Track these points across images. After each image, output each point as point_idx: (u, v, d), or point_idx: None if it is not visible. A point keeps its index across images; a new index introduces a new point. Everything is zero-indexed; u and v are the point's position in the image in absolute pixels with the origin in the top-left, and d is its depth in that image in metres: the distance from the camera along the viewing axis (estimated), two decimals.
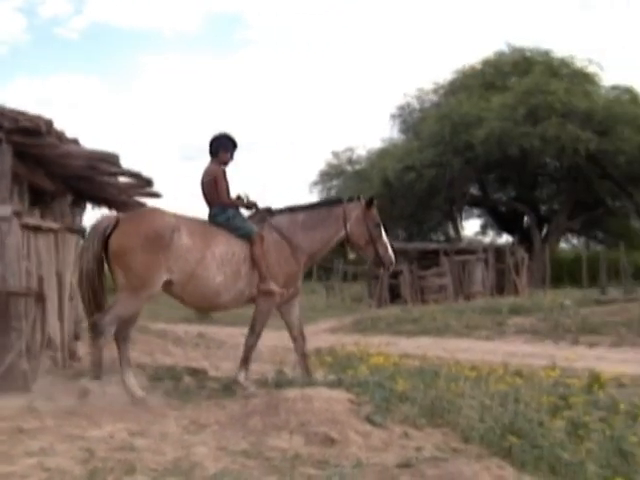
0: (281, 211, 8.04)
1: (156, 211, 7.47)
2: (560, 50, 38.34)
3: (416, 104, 41.59)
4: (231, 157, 7.94)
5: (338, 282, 33.87)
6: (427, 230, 41.41)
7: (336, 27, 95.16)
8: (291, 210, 8.07)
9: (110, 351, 7.71)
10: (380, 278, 30.05)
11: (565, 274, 34.32)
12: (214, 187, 7.67)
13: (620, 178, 35.64)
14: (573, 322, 17.38)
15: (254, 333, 7.81)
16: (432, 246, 33.20)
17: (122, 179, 9.41)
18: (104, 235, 7.02)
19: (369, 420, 6.04)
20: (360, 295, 31.81)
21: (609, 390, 8.75)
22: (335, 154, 42.65)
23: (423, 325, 19.73)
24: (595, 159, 34.17)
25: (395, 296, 30.29)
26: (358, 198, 8.44)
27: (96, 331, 6.93)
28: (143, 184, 9.46)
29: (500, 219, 42.89)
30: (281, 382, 7.95)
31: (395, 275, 30.49)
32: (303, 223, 7.93)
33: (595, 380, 9.04)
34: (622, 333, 16.11)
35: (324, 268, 36.39)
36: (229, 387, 7.79)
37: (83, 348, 10.23)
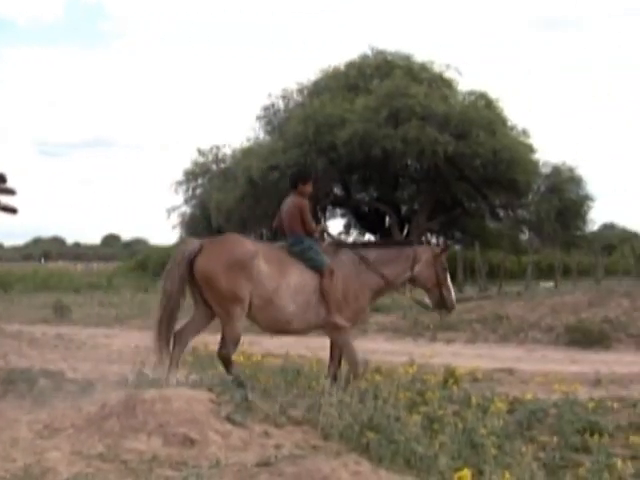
0: (354, 246, 8.62)
1: (237, 237, 8.05)
2: (420, 55, 39.39)
3: (281, 104, 41.75)
4: (311, 188, 8.28)
5: None
6: None
7: (204, 25, 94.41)
8: (364, 245, 8.72)
9: None
10: None
11: None
12: (297, 218, 7.95)
13: (476, 180, 36.92)
14: (431, 320, 17.91)
15: (352, 364, 8.06)
16: None
17: None
18: (189, 259, 7.47)
19: (229, 419, 6.03)
20: None
21: (463, 385, 9.10)
22: (201, 152, 42.20)
23: None
24: (453, 162, 35.25)
25: None
26: (428, 242, 8.84)
27: (226, 362, 7.60)
28: None
29: (363, 219, 43.57)
30: (141, 383, 7.81)
31: None
32: (374, 259, 8.12)
33: (450, 375, 9.38)
34: (477, 330, 16.77)
35: None
36: (87, 389, 7.59)
37: None
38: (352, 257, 8.08)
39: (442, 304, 8.39)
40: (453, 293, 8.48)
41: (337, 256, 8.05)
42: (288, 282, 7.63)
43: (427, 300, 8.58)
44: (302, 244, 7.89)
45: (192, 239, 7.89)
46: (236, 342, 7.62)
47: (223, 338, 7.61)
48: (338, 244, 8.53)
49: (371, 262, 8.07)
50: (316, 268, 7.79)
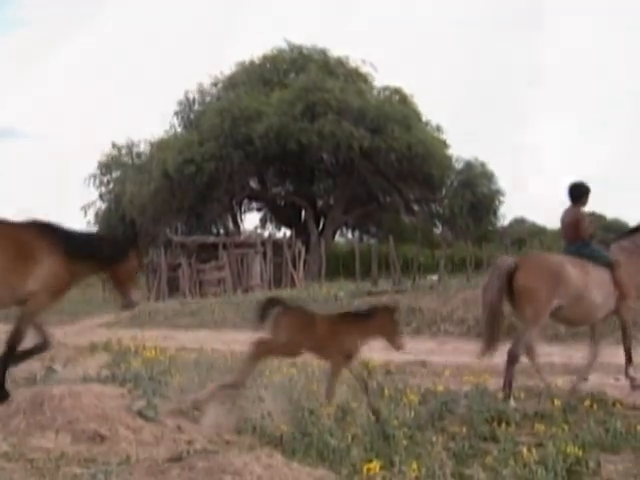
0: (616, 238, 9.60)
1: (544, 253, 9.68)
2: (336, 49, 39.51)
3: (197, 97, 41.38)
4: (588, 199, 9.30)
5: None
6: (207, 223, 41.36)
7: (118, 14, 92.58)
8: (621, 237, 9.56)
9: None
10: (158, 271, 29.68)
11: (340, 267, 35.48)
12: (578, 227, 9.02)
13: (391, 175, 37.34)
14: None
15: (627, 336, 9.07)
16: (211, 239, 33.22)
17: None
18: (508, 274, 8.38)
19: (141, 415, 5.95)
20: (138, 288, 31.18)
21: (377, 377, 9.19)
22: (115, 146, 41.46)
23: (201, 318, 19.71)
24: (368, 156, 35.57)
25: (174, 289, 30.01)
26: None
27: (512, 358, 8.21)
28: None
29: (279, 213, 43.58)
30: (50, 379, 7.66)
31: (174, 268, 30.25)
32: (634, 246, 9.21)
33: (364, 367, 9.46)
34: None
35: None
36: None
37: None
38: (620, 247, 9.19)
39: None
40: None
41: (610, 250, 9.15)
42: (593, 278, 8.63)
43: None
44: (589, 247, 8.99)
45: (507, 257, 9.23)
46: (528, 345, 8.45)
47: (517, 338, 8.38)
48: (605, 240, 9.62)
49: (634, 249, 9.20)
50: (606, 264, 8.84)
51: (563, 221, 9.40)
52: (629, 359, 9.01)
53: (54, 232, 7.00)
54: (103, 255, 7.10)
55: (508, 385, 8.17)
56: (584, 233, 9.09)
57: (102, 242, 7.39)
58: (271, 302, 7.61)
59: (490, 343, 8.48)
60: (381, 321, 7.31)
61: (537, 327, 8.55)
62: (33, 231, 6.90)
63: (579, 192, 9.29)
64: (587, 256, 8.90)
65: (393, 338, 7.29)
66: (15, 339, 6.73)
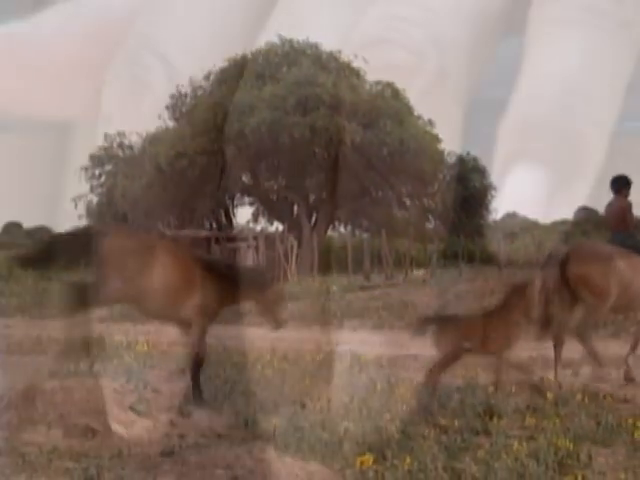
0: None
1: (597, 243, 9.89)
2: (328, 44, 39.34)
3: (189, 91, 41.19)
4: (629, 192, 9.56)
5: None
6: (199, 217, 41.18)
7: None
8: None
9: None
10: None
11: (333, 261, 35.42)
12: (624, 218, 9.32)
13: (383, 169, 37.28)
14: (338, 307, 18.03)
15: None
16: (203, 233, 33.16)
17: None
18: (561, 262, 8.71)
19: (133, 409, 5.95)
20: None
21: (370, 371, 9.21)
22: (107, 137, 41.16)
23: None
24: (360, 150, 35.50)
25: None
26: None
27: (582, 338, 8.83)
28: None
29: (271, 207, 43.38)
30: (42, 374, 7.62)
31: None
32: None
33: (357, 362, 9.48)
34: (383, 317, 16.94)
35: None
36: None
37: None
38: None
39: None
40: None
41: None
42: (639, 271, 8.89)
43: None
44: (633, 238, 9.26)
45: (561, 245, 9.97)
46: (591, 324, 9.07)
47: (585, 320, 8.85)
48: None
49: None
50: None
51: (608, 212, 9.68)
52: (634, 347, 9.19)
53: (209, 263, 7.62)
54: (247, 287, 7.60)
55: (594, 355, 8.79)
56: (630, 223, 9.35)
57: (245, 275, 7.91)
58: (426, 321, 8.31)
59: (545, 328, 8.69)
60: (518, 301, 7.82)
61: (598, 314, 9.02)
62: (192, 258, 7.51)
63: (620, 184, 9.53)
64: (632, 246, 9.12)
65: (532, 315, 7.87)
66: (198, 355, 7.34)
